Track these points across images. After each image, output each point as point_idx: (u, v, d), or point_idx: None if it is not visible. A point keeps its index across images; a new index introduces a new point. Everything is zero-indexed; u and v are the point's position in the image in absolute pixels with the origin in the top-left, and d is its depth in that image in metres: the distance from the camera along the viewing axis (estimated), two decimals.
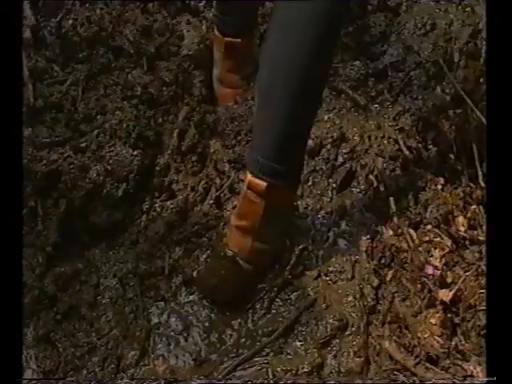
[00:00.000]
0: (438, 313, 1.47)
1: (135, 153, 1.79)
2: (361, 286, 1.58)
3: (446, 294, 1.48)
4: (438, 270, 1.52)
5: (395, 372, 1.45)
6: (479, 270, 1.50)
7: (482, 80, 1.91)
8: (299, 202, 1.72)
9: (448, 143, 1.80)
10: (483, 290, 1.45)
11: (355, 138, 1.82)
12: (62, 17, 2.05)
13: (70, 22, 2.04)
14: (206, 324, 1.60)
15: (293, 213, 1.69)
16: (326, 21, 1.41)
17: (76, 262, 1.68)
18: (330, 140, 1.81)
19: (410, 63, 1.98)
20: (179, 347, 1.57)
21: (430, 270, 1.52)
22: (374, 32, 2.05)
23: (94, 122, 1.85)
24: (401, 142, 1.79)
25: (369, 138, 1.81)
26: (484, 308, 1.43)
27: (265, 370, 1.51)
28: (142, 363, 1.55)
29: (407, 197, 1.68)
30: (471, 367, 1.40)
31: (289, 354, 1.52)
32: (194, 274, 1.64)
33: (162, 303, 1.63)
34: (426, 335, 1.46)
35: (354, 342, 1.51)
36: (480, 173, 1.71)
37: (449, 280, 1.51)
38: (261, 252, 1.58)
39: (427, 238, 1.58)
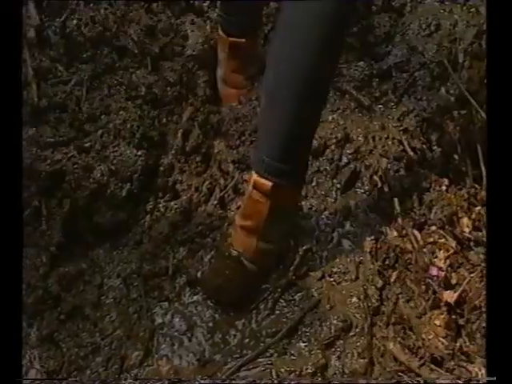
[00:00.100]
0: (442, 314, 1.47)
1: (139, 153, 1.79)
2: (365, 286, 1.57)
3: (450, 296, 1.48)
4: (443, 271, 1.51)
5: (399, 373, 1.45)
6: (484, 271, 1.49)
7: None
8: (303, 203, 1.72)
9: (452, 144, 1.80)
10: None
11: (359, 138, 1.82)
12: (66, 17, 2.05)
13: (75, 21, 2.04)
14: (210, 324, 1.59)
15: (297, 213, 1.69)
16: (333, 21, 1.40)
17: (80, 262, 1.68)
18: (334, 140, 1.81)
19: (415, 64, 1.98)
20: (183, 347, 1.57)
21: (434, 272, 1.52)
22: (379, 32, 2.05)
23: (98, 122, 1.85)
24: (405, 143, 1.79)
25: (373, 139, 1.81)
26: None
27: (269, 370, 1.50)
28: (145, 363, 1.55)
29: (411, 198, 1.68)
30: (476, 369, 1.40)
31: (293, 354, 1.52)
32: (198, 274, 1.64)
33: (166, 303, 1.63)
34: (430, 336, 1.46)
35: (358, 343, 1.51)
36: (484, 174, 1.71)
37: (453, 281, 1.51)
38: (265, 252, 1.58)
39: (432, 239, 1.57)
